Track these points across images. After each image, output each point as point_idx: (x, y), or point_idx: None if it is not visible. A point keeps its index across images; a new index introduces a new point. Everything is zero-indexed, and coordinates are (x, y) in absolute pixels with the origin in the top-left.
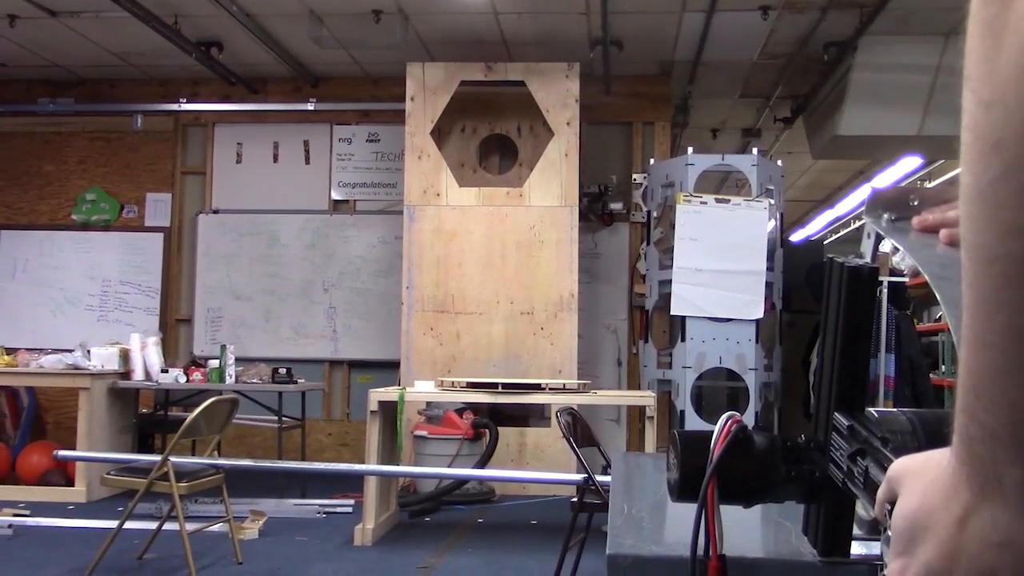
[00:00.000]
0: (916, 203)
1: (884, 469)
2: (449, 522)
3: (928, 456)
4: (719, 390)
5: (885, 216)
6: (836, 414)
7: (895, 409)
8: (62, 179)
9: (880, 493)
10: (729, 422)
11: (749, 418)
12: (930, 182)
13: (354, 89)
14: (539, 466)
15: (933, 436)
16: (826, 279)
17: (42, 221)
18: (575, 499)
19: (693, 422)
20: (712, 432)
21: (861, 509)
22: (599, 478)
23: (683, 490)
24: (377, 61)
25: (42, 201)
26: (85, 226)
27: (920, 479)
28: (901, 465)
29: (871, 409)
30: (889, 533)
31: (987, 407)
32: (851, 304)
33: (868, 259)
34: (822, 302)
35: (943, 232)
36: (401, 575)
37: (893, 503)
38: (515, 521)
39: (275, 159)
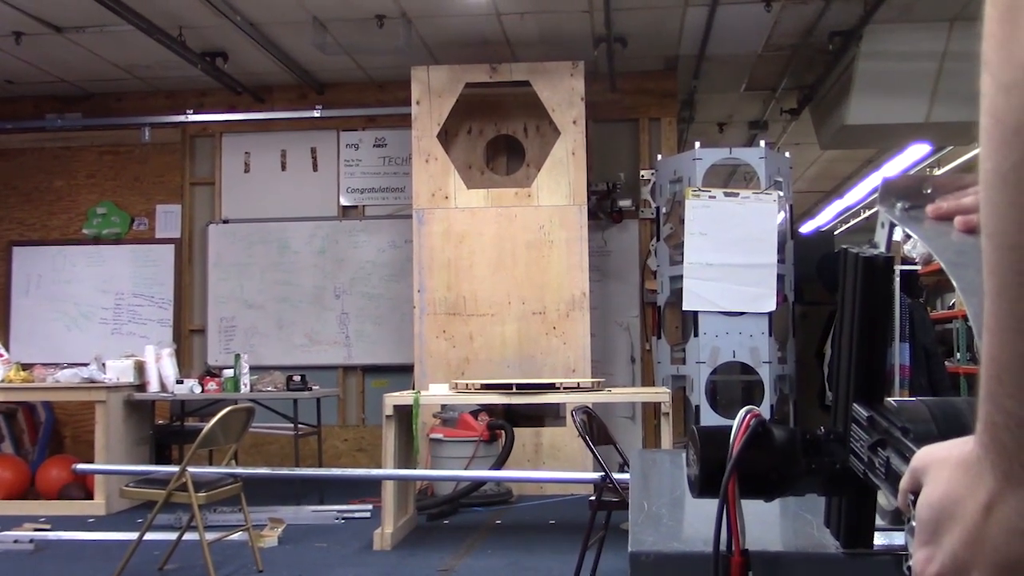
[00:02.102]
0: (929, 191)
1: (906, 459)
2: (467, 524)
3: (952, 444)
4: (734, 384)
5: (899, 205)
6: (855, 405)
7: (914, 398)
8: (72, 194)
9: (903, 483)
10: (748, 416)
11: (764, 411)
12: (939, 169)
13: (360, 95)
14: (555, 465)
15: (953, 425)
16: (841, 269)
17: (54, 236)
18: (593, 498)
19: (708, 417)
20: (731, 427)
21: (883, 500)
22: (616, 476)
23: (704, 486)
24: (382, 66)
25: (53, 216)
26: (97, 240)
27: (944, 468)
28: (925, 454)
29: (890, 399)
30: (913, 523)
31: (1011, 393)
32: (867, 294)
33: (883, 248)
34: (837, 293)
35: (959, 219)
36: None
37: (917, 493)
38: (533, 521)
39: (283, 167)
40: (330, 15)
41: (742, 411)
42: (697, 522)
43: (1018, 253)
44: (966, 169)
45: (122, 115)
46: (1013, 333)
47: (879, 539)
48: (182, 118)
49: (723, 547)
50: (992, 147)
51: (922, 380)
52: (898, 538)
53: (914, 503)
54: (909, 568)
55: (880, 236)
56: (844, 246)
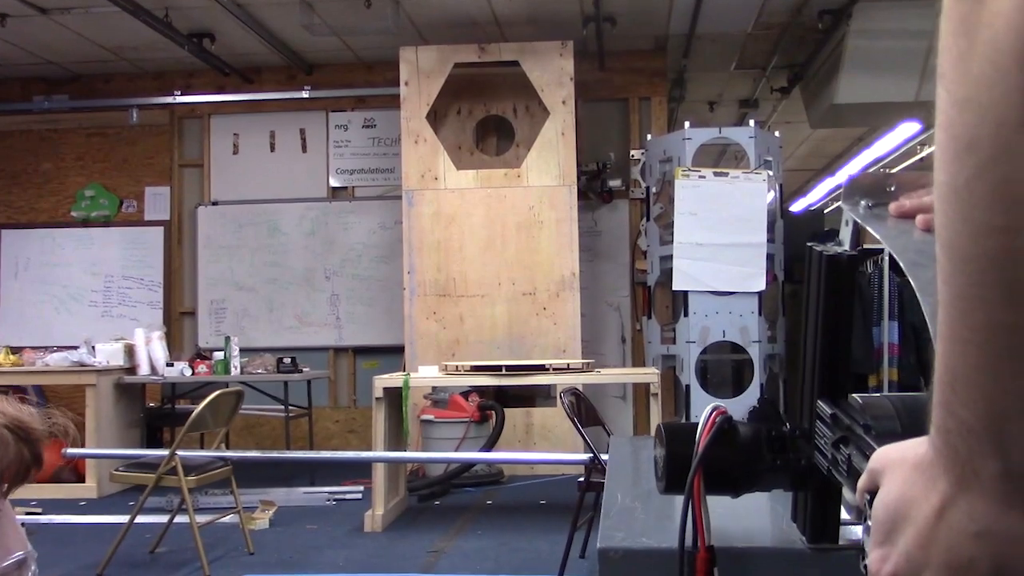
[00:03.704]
0: (893, 188)
1: (867, 457)
2: (458, 505)
3: (908, 445)
4: (724, 363)
5: (862, 203)
6: (819, 402)
7: (878, 394)
8: (60, 176)
9: (861, 482)
10: (714, 414)
11: (754, 390)
12: (930, 147)
13: (348, 75)
14: (546, 445)
15: (916, 421)
16: (806, 267)
17: (42, 219)
18: (582, 479)
19: (699, 396)
20: (697, 424)
21: (849, 495)
22: (604, 457)
23: (670, 482)
24: (370, 46)
25: (41, 199)
26: (85, 222)
27: (900, 469)
28: (882, 454)
29: (855, 395)
30: (870, 523)
31: (963, 401)
32: (831, 292)
33: (847, 247)
34: (804, 290)
35: (919, 218)
36: (411, 560)
37: (874, 493)
38: (524, 501)
39: (272, 148)
40: None
41: (707, 408)
42: (669, 517)
43: (971, 266)
44: (932, 167)
45: (109, 97)
46: (965, 344)
47: (845, 534)
48: (170, 99)
49: (690, 543)
50: (946, 161)
51: (911, 358)
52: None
53: (871, 503)
54: (866, 567)
55: (844, 234)
56: (809, 244)
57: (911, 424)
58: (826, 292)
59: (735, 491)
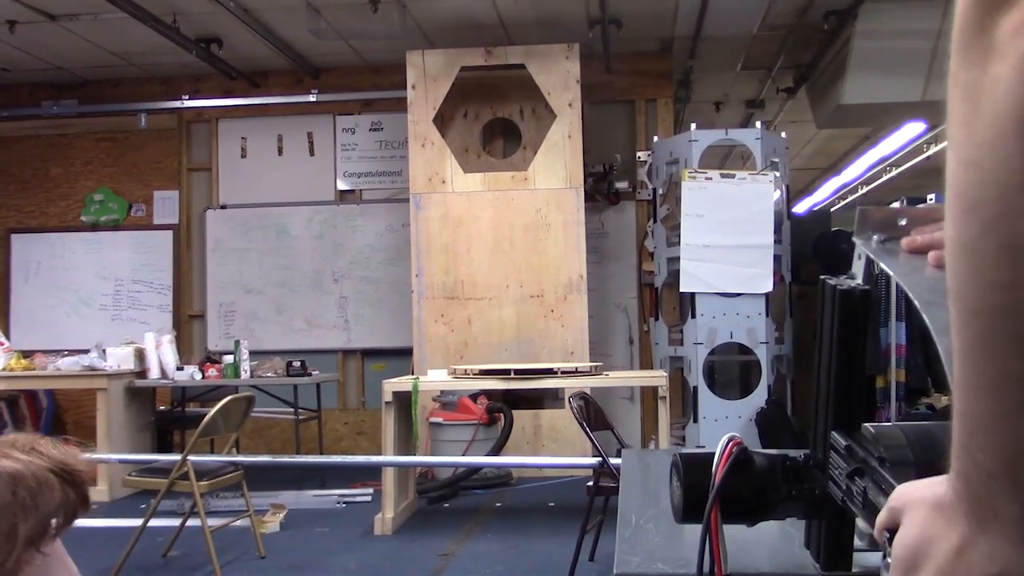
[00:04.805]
0: (904, 223)
1: (883, 490)
2: (468, 507)
3: (928, 485)
4: (731, 365)
5: (875, 237)
6: (834, 433)
7: (890, 424)
8: (70, 181)
9: (880, 519)
10: (730, 444)
11: (762, 391)
12: (936, 145)
13: (355, 79)
14: (555, 447)
15: (928, 450)
16: (819, 300)
17: (52, 224)
18: (591, 483)
19: (706, 397)
20: (713, 454)
21: (862, 523)
22: (613, 461)
23: (687, 513)
24: (377, 50)
25: (51, 204)
26: (95, 227)
27: (920, 509)
28: (903, 493)
29: (867, 425)
30: (889, 560)
31: (981, 447)
32: (844, 326)
33: (860, 280)
34: (817, 323)
35: (932, 254)
36: (422, 564)
37: (893, 530)
38: (533, 504)
39: (279, 152)
40: (324, 0)
41: (723, 439)
42: (686, 539)
43: (981, 318)
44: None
45: (118, 101)
46: (980, 392)
47: (858, 561)
48: (178, 104)
49: (707, 570)
50: (954, 217)
51: (918, 359)
52: (876, 559)
53: (891, 540)
54: None
55: (857, 268)
56: (823, 277)
57: (923, 453)
58: (839, 326)
59: (751, 520)
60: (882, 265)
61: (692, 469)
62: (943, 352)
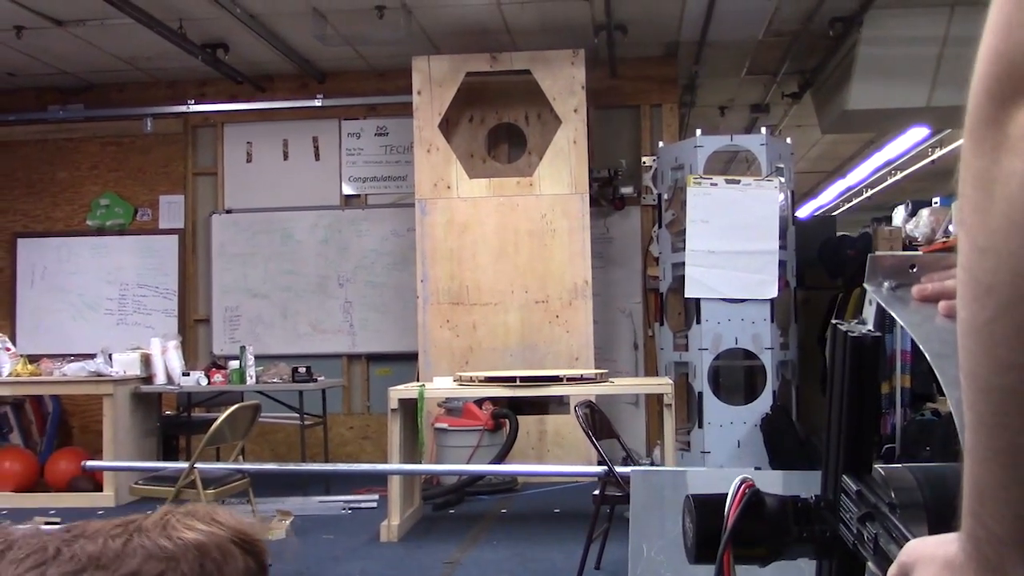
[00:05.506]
0: (915, 270)
1: (893, 538)
2: (473, 513)
3: (939, 542)
4: (736, 370)
5: (885, 284)
6: (844, 477)
7: (899, 466)
8: (76, 185)
9: (891, 575)
10: (742, 487)
11: (767, 396)
12: (941, 149)
13: (361, 84)
14: (560, 453)
15: (938, 492)
16: (830, 346)
17: (58, 228)
18: (597, 492)
19: (711, 403)
20: (725, 495)
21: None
22: (619, 469)
23: (700, 555)
24: (382, 55)
25: (57, 208)
26: (100, 231)
27: (931, 566)
28: (913, 549)
29: (878, 467)
30: None
31: (991, 514)
32: (855, 372)
33: (871, 326)
34: (829, 368)
35: (942, 304)
36: (428, 571)
37: None
38: (538, 510)
39: (285, 156)
40: (330, 5)
41: (736, 480)
42: (693, 571)
43: (993, 396)
44: (954, 250)
45: (124, 106)
46: (991, 463)
47: None
48: (184, 108)
49: None
50: (968, 300)
51: (923, 366)
52: None
53: None
54: None
55: (868, 313)
56: (834, 321)
57: (932, 496)
58: (850, 371)
59: (762, 561)
60: (892, 314)
61: (705, 511)
62: (952, 404)
